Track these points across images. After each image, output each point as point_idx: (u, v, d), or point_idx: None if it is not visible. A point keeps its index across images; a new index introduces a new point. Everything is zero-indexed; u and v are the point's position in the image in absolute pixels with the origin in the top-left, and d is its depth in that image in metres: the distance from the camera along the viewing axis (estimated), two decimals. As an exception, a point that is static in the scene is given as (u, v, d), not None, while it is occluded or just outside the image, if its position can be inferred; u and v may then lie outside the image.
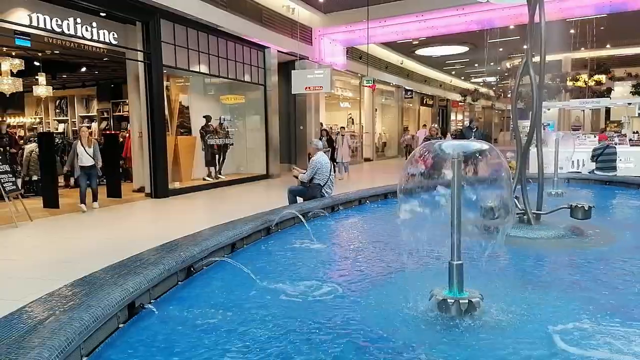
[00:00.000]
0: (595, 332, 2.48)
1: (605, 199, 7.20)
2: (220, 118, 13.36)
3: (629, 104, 17.75)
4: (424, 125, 24.67)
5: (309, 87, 14.29)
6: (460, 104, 34.63)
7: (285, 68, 15.43)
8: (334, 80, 16.99)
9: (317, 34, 16.40)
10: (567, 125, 22.55)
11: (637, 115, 21.80)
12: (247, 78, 13.81)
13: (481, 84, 34.25)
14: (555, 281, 3.43)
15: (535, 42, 4.91)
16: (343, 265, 4.05)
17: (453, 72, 31.38)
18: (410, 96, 26.50)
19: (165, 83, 11.44)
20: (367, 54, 18.17)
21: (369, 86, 18.98)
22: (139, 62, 10.61)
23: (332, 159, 13.11)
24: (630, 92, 21.22)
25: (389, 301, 2.96)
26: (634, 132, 17.82)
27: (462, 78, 33.74)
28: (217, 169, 12.90)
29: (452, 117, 36.47)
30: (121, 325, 2.48)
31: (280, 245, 4.41)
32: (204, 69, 12.18)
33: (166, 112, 11.45)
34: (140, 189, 11.13)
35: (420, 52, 22.88)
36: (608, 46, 21.97)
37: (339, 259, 4.25)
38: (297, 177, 7.46)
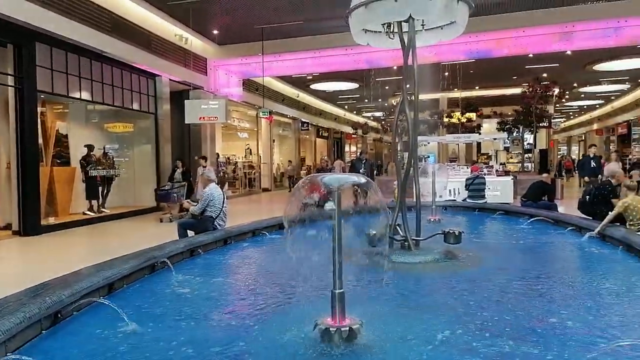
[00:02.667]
0: (464, 349, 2.71)
1: (475, 224, 7.99)
2: (104, 147, 12.49)
3: (495, 139, 20.11)
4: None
5: (204, 117, 14.04)
6: (353, 136, 36.45)
7: (179, 97, 15.03)
8: (230, 111, 16.93)
9: (212, 65, 16.29)
10: (446, 157, 24.86)
11: (502, 149, 24.83)
12: (135, 106, 13.17)
13: (371, 118, 36.49)
14: (429, 302, 3.70)
15: (412, 82, 5.39)
16: (230, 300, 3.96)
17: (346, 107, 33.06)
18: (306, 128, 27.31)
19: (40, 109, 10.47)
20: (263, 86, 18.47)
21: (266, 118, 19.22)
22: (9, 87, 9.62)
23: (190, 195, 11.23)
24: (496, 128, 24.10)
25: (273, 334, 2.95)
26: (500, 164, 20.22)
27: (355, 112, 35.68)
28: (100, 202, 11.95)
29: (347, 148, 38.20)
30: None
31: (164, 284, 4.18)
32: (85, 95, 11.38)
33: (40, 140, 10.44)
34: (7, 227, 9.89)
35: (315, 86, 23.83)
36: (477, 87, 24.89)
37: (225, 294, 4.15)
38: (188, 210, 7.21)
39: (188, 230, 6.70)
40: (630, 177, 8.43)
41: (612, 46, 15.00)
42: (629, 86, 25.07)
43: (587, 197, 7.09)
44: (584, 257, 5.51)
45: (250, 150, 22.38)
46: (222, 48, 16.23)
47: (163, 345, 2.80)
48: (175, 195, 11.24)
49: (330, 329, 2.65)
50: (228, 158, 20.13)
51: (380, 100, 25.37)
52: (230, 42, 15.90)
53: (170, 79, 14.24)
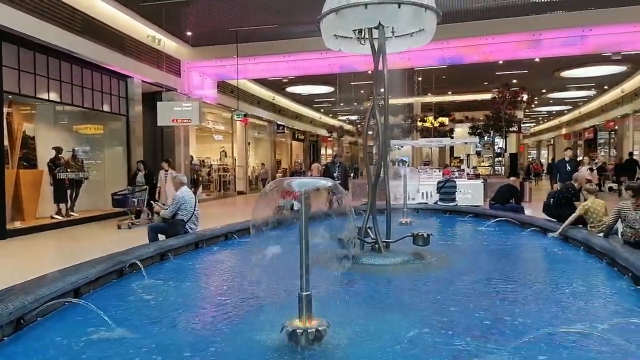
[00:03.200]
0: (429, 347, 2.79)
1: (445, 226, 8.15)
2: (73, 149, 12.19)
3: (466, 143, 20.50)
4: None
5: (177, 120, 13.90)
6: (329, 139, 36.61)
7: (152, 98, 14.82)
8: (205, 113, 16.77)
9: (185, 67, 16.13)
10: (420, 160, 25.22)
11: (473, 153, 25.34)
12: (106, 108, 12.92)
13: (346, 121, 36.74)
14: (398, 303, 3.78)
15: (382, 87, 5.48)
16: (200, 304, 3.95)
17: (322, 110, 33.17)
18: (282, 131, 27.26)
19: (6, 110, 10.17)
20: (237, 88, 18.38)
21: (241, 120, 19.12)
22: (-27, 87, 9.34)
23: (153, 199, 10.23)
24: (468, 133, 24.58)
25: (243, 337, 2.97)
26: (472, 168, 20.63)
27: (330, 115, 35.83)
28: (68, 206, 11.65)
29: (323, 151, 38.34)
30: None
31: (133, 288, 4.14)
32: (54, 96, 11.10)
33: (6, 142, 10.14)
34: (-29, 231, 9.56)
35: (290, 89, 23.84)
36: (449, 93, 25.36)
37: (196, 298, 4.14)
38: (158, 214, 7.13)
39: (159, 234, 6.63)
40: (590, 181, 8.73)
41: (578, 54, 15.53)
42: (594, 92, 25.99)
43: (552, 199, 7.33)
44: (547, 258, 5.71)
45: (225, 152, 22.21)
46: (196, 50, 16.09)
47: (133, 353, 2.77)
48: (134, 200, 10.61)
49: (297, 330, 2.69)
50: (202, 161, 19.93)
51: (355, 103, 25.57)
52: (205, 44, 15.77)
53: (142, 81, 14.03)
